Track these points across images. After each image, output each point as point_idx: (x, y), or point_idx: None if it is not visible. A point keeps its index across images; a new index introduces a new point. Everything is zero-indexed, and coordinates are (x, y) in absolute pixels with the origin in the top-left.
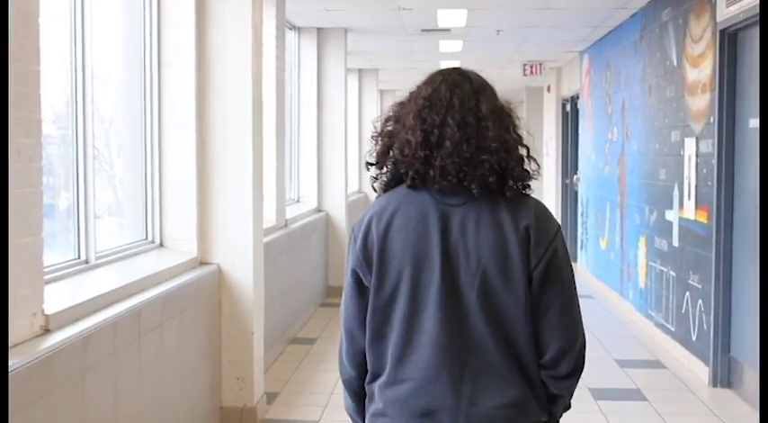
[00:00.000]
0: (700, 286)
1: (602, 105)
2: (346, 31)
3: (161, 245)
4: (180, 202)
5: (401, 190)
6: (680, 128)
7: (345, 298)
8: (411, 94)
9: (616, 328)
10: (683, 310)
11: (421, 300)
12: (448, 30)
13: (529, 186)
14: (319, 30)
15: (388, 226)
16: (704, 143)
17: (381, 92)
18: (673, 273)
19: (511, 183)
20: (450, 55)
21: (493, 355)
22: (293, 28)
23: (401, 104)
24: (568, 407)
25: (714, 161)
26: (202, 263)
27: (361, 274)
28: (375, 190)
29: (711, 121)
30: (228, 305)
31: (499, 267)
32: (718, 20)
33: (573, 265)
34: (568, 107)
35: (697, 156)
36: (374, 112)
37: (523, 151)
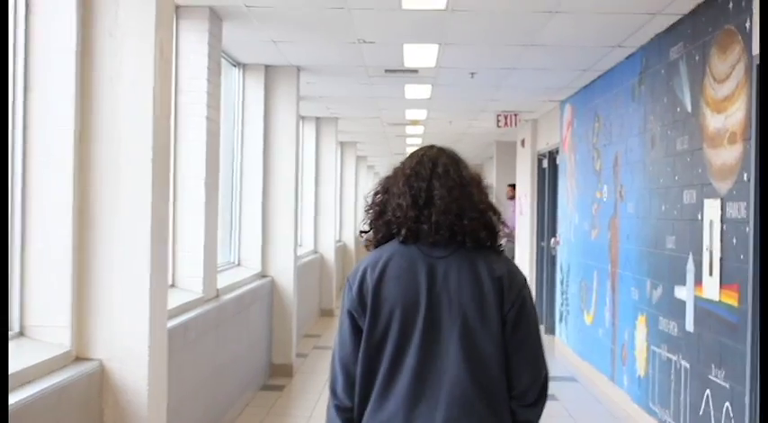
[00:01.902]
0: (726, 385)
1: (587, 160)
2: (299, 69)
3: (21, 334)
4: (48, 278)
5: (392, 244)
6: (696, 187)
7: (342, 337)
8: (395, 168)
9: None
10: (701, 412)
11: (407, 338)
12: (415, 71)
13: (503, 248)
14: (267, 67)
15: (381, 274)
16: (733, 206)
17: (342, 144)
18: (685, 363)
19: (498, 238)
20: (417, 102)
21: (467, 387)
22: (237, 64)
23: (388, 178)
24: None
25: (749, 229)
26: (79, 358)
27: (356, 316)
28: (367, 249)
29: (745, 178)
30: (113, 415)
31: (477, 310)
32: (754, 52)
33: (551, 338)
34: (545, 163)
35: (722, 222)
36: (333, 165)
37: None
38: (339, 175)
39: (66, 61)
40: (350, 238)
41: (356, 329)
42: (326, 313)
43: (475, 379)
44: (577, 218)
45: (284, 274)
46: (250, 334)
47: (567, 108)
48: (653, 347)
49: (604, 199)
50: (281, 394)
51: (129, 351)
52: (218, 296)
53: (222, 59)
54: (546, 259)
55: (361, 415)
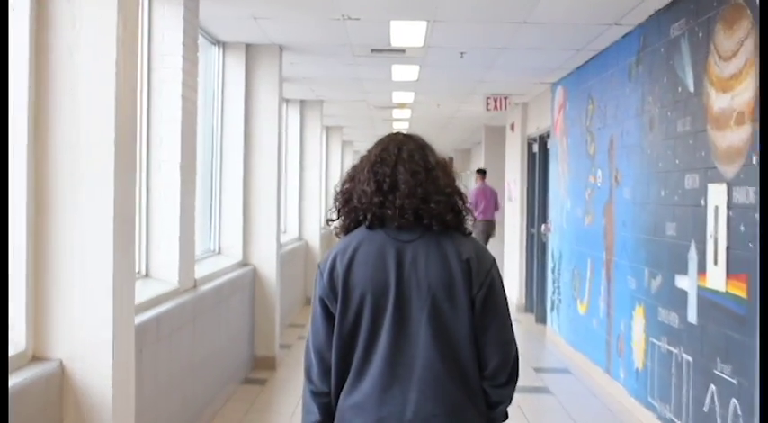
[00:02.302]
0: (734, 381)
1: (580, 144)
2: (281, 48)
3: None
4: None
5: (360, 231)
6: (699, 171)
7: (315, 323)
8: (362, 156)
9: (604, 417)
10: (706, 408)
11: (379, 322)
12: (402, 51)
13: (471, 231)
14: (248, 46)
15: (350, 260)
16: (740, 191)
17: (327, 128)
18: (688, 356)
19: (464, 221)
20: (404, 84)
21: (438, 369)
22: (216, 43)
23: (354, 167)
24: (506, 416)
25: (757, 215)
26: (36, 358)
27: (327, 302)
28: (337, 236)
29: (753, 161)
30: (75, 420)
31: (446, 293)
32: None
33: (542, 327)
34: (535, 147)
35: (729, 207)
36: (319, 150)
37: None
38: (325, 160)
39: (19, 25)
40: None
41: (329, 316)
42: (311, 302)
43: (446, 361)
44: (570, 204)
45: (267, 263)
46: (230, 325)
47: (559, 90)
48: (652, 339)
49: (598, 184)
50: (263, 388)
51: (91, 349)
52: (195, 287)
53: (200, 37)
54: (536, 246)
55: (336, 398)
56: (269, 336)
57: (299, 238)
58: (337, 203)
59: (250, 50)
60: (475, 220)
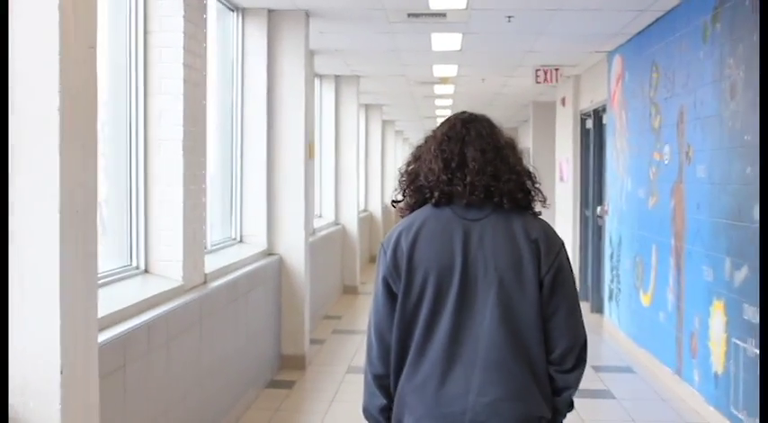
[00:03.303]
0: None
1: (643, 118)
2: (308, 14)
3: None
4: None
5: (426, 209)
6: None
7: (376, 303)
8: (427, 136)
9: None
10: None
11: (442, 302)
12: (443, 15)
13: (540, 211)
14: (271, 12)
15: (415, 238)
16: None
17: (366, 107)
18: None
19: (534, 201)
20: (445, 55)
21: (504, 351)
22: (235, 9)
23: (419, 146)
24: (572, 405)
25: None
26: None
27: (390, 282)
28: (402, 216)
29: None
30: None
31: (514, 273)
32: None
33: (598, 317)
34: (589, 123)
35: None
36: (355, 129)
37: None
38: (364, 141)
39: None
40: (377, 208)
41: (391, 295)
42: (350, 290)
43: (512, 343)
44: (630, 183)
45: (294, 252)
46: (251, 323)
47: (617, 59)
48: (735, 340)
49: (665, 161)
50: (290, 392)
51: (32, 378)
52: (205, 282)
53: (216, 1)
54: (592, 230)
55: (396, 381)
56: (297, 332)
57: (336, 222)
58: (402, 184)
59: (273, 17)
60: (545, 199)
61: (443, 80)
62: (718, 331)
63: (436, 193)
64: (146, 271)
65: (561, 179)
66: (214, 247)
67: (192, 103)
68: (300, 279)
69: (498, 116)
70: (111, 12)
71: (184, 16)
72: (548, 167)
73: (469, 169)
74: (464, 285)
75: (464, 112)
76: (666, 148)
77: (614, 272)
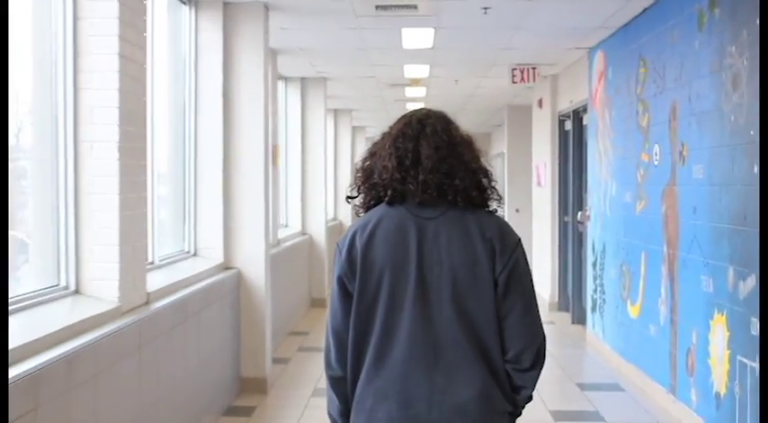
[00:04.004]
0: None
1: (629, 117)
2: (267, 7)
3: None
4: None
5: (380, 208)
6: None
7: (332, 304)
8: (383, 132)
9: None
10: None
11: (399, 301)
12: (413, 6)
13: (495, 209)
14: (226, 4)
15: (370, 237)
16: None
17: (335, 112)
18: None
19: (490, 200)
20: (417, 54)
21: (464, 350)
22: (188, 1)
23: (375, 143)
24: (530, 398)
25: None
26: None
27: (346, 281)
28: (357, 214)
29: None
30: None
31: (468, 272)
32: None
33: (580, 329)
34: (568, 125)
35: None
36: (322, 134)
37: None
38: (333, 147)
39: None
40: (347, 217)
41: (347, 296)
42: (318, 304)
43: (471, 342)
44: (615, 187)
45: (253, 265)
46: (204, 345)
47: (599, 56)
48: (740, 357)
49: (655, 162)
50: (249, 420)
51: None
52: (147, 303)
53: None
54: (572, 237)
55: (354, 382)
56: (258, 352)
57: (303, 232)
58: (357, 180)
59: (229, 10)
60: (501, 198)
61: (414, 82)
62: (719, 348)
63: (389, 192)
64: (76, 291)
65: (538, 184)
66: (163, 262)
67: (129, 100)
68: (261, 294)
69: (471, 121)
70: None
71: (120, 0)
72: (524, 172)
73: (423, 167)
74: (420, 285)
75: (421, 109)
76: (656, 148)
77: (597, 281)
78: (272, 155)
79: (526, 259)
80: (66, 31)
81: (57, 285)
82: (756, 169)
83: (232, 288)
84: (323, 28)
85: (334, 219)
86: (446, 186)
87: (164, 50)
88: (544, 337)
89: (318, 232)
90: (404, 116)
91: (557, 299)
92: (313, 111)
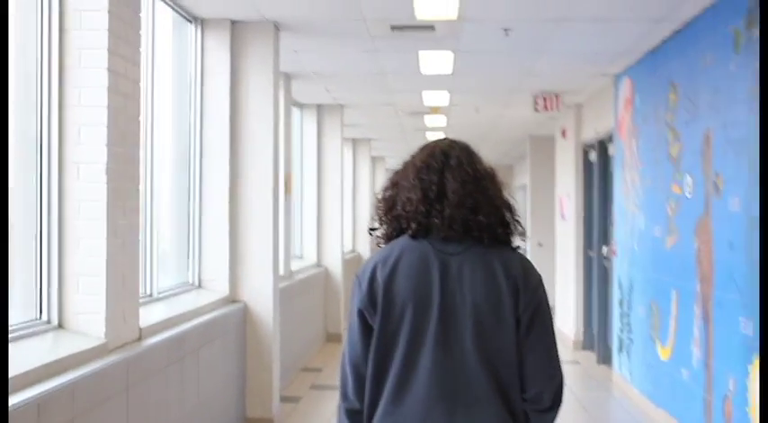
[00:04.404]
0: None
1: (658, 146)
2: (277, 26)
3: None
4: None
5: (403, 240)
6: None
7: (352, 337)
8: (405, 162)
9: None
10: None
11: (420, 337)
12: (431, 27)
13: (518, 246)
14: (235, 24)
15: (392, 270)
16: None
17: (354, 141)
18: None
19: (513, 235)
20: (436, 80)
21: (484, 389)
22: (194, 19)
23: (397, 172)
24: None
25: None
26: None
27: (366, 314)
28: (378, 246)
29: None
30: None
31: (492, 310)
32: None
33: (606, 369)
34: (593, 155)
35: None
36: (338, 164)
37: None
38: (352, 177)
39: None
40: (365, 249)
41: (367, 329)
42: (333, 338)
43: (491, 380)
44: (643, 221)
45: (261, 298)
46: (205, 384)
47: (625, 83)
48: None
49: (687, 194)
50: None
51: None
52: (139, 339)
53: (170, 10)
54: (597, 272)
55: (370, 417)
56: (265, 391)
57: (318, 264)
58: (379, 211)
59: (237, 29)
60: (525, 233)
61: (434, 110)
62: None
63: (413, 225)
64: (59, 326)
65: (562, 217)
66: (163, 295)
67: (120, 119)
68: (269, 329)
69: (493, 152)
70: (18, 5)
71: (110, 11)
72: (547, 205)
73: (449, 201)
74: (442, 321)
75: (445, 139)
76: (688, 179)
77: (624, 320)
78: (285, 183)
79: (547, 298)
80: (51, 43)
81: (38, 319)
82: None
83: (237, 322)
84: (337, 50)
85: (353, 251)
86: (471, 222)
87: (167, 70)
88: (563, 377)
89: (335, 264)
90: (426, 146)
91: (581, 337)
92: (329, 139)
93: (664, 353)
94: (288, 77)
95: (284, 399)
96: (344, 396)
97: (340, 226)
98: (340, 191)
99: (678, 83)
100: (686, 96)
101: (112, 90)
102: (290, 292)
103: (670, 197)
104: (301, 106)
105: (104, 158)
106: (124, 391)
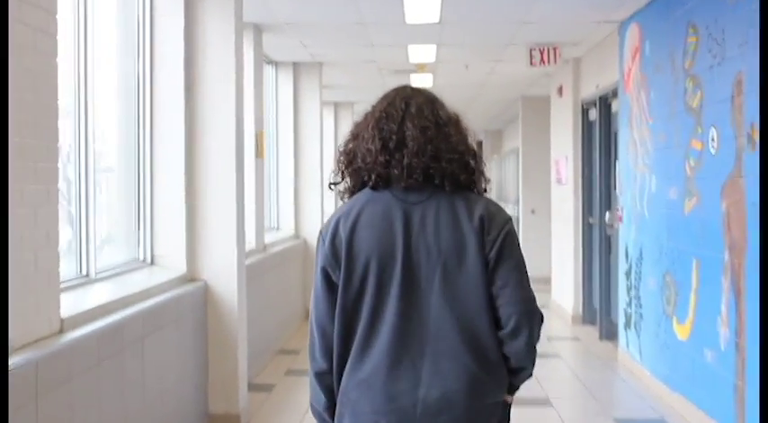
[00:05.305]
0: None
1: (674, 97)
2: None
3: None
4: None
5: (365, 193)
6: None
7: (316, 295)
8: (366, 112)
9: None
10: None
11: (385, 291)
12: None
13: (485, 191)
14: None
15: (354, 224)
16: None
17: (336, 105)
18: None
19: (478, 181)
20: (422, 30)
21: (453, 340)
22: None
23: (357, 124)
24: (530, 375)
25: None
26: None
27: (330, 271)
28: (342, 199)
29: None
30: None
31: (458, 257)
32: None
33: (610, 346)
34: (593, 113)
35: None
36: (317, 128)
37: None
38: (334, 143)
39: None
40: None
41: (331, 286)
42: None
43: (460, 330)
44: (654, 182)
45: (224, 277)
46: (153, 380)
47: (633, 29)
48: None
49: (711, 150)
50: None
51: None
52: (60, 332)
53: None
54: (599, 241)
55: (339, 375)
56: (229, 383)
57: (296, 235)
58: (340, 164)
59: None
60: (489, 180)
61: (420, 67)
62: None
63: (373, 176)
64: None
65: (559, 182)
66: (103, 275)
67: (27, 57)
68: (233, 312)
69: (482, 115)
70: None
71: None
72: (541, 169)
73: (408, 150)
74: (407, 272)
75: (406, 87)
76: (713, 133)
77: (632, 293)
78: (256, 145)
79: (517, 237)
80: None
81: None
82: None
83: (196, 305)
84: None
85: (333, 214)
86: (432, 170)
87: (108, 7)
88: (541, 314)
89: (314, 236)
90: (386, 95)
91: (580, 311)
92: (307, 100)
93: (681, 331)
94: (258, 29)
95: (255, 387)
96: (312, 357)
97: (320, 194)
98: (319, 156)
99: (699, 23)
100: (710, 37)
101: (16, 19)
102: (263, 267)
103: (689, 154)
104: (276, 64)
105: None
106: (32, 399)
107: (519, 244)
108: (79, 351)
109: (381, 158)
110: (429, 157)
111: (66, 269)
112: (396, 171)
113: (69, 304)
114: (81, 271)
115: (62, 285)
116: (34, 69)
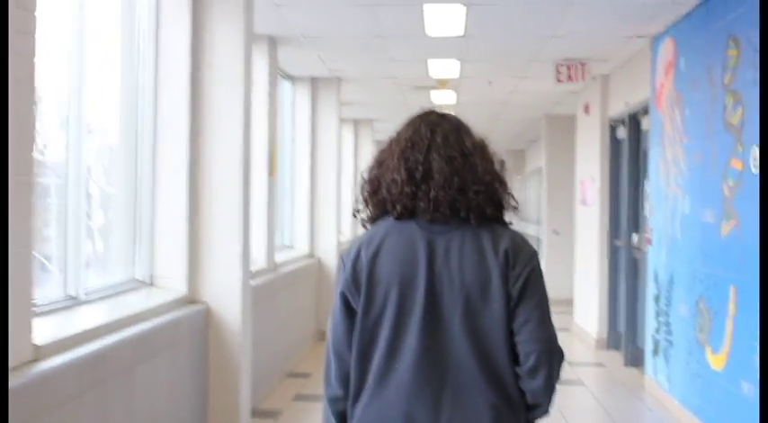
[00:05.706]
0: None
1: (712, 114)
2: None
3: None
4: None
5: (388, 221)
6: None
7: (334, 320)
8: (391, 139)
9: None
10: None
11: (406, 321)
12: None
13: (511, 222)
14: None
15: (376, 252)
16: None
17: (355, 122)
18: None
19: (504, 211)
20: (443, 44)
21: (473, 373)
22: None
23: (382, 151)
24: (547, 413)
25: None
26: None
27: (349, 297)
28: (364, 227)
29: None
30: None
31: (481, 290)
32: None
33: (636, 373)
34: (622, 132)
35: None
36: (335, 145)
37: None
38: (353, 161)
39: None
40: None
41: (350, 312)
42: (325, 337)
43: (481, 363)
44: (689, 204)
45: (227, 299)
46: (143, 411)
47: (666, 44)
48: None
49: (752, 169)
50: None
51: None
52: (34, 361)
53: None
54: (625, 265)
55: (354, 403)
56: (230, 411)
57: (310, 254)
58: (364, 192)
59: None
60: (517, 207)
61: (442, 84)
62: None
63: (398, 207)
64: None
65: (583, 202)
66: (94, 296)
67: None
68: (236, 336)
69: (504, 135)
70: None
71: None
72: (565, 189)
73: (435, 182)
74: (429, 303)
75: (432, 112)
76: (755, 152)
77: (661, 319)
78: (269, 165)
79: (542, 273)
80: None
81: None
82: None
83: (196, 328)
84: (327, 2)
85: (355, 240)
86: (459, 203)
87: (109, 14)
88: (562, 352)
89: (329, 255)
90: (411, 122)
91: (605, 336)
92: (325, 116)
93: (716, 361)
94: (273, 42)
95: (260, 413)
96: (328, 382)
97: (336, 213)
98: (337, 174)
99: (740, 35)
100: (753, 50)
101: None
102: (273, 287)
103: (728, 174)
104: (293, 79)
105: None
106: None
107: (543, 280)
108: (54, 382)
109: (407, 190)
110: (455, 190)
111: (51, 291)
112: (422, 204)
113: (49, 330)
114: (67, 292)
115: (43, 309)
116: (13, 72)
